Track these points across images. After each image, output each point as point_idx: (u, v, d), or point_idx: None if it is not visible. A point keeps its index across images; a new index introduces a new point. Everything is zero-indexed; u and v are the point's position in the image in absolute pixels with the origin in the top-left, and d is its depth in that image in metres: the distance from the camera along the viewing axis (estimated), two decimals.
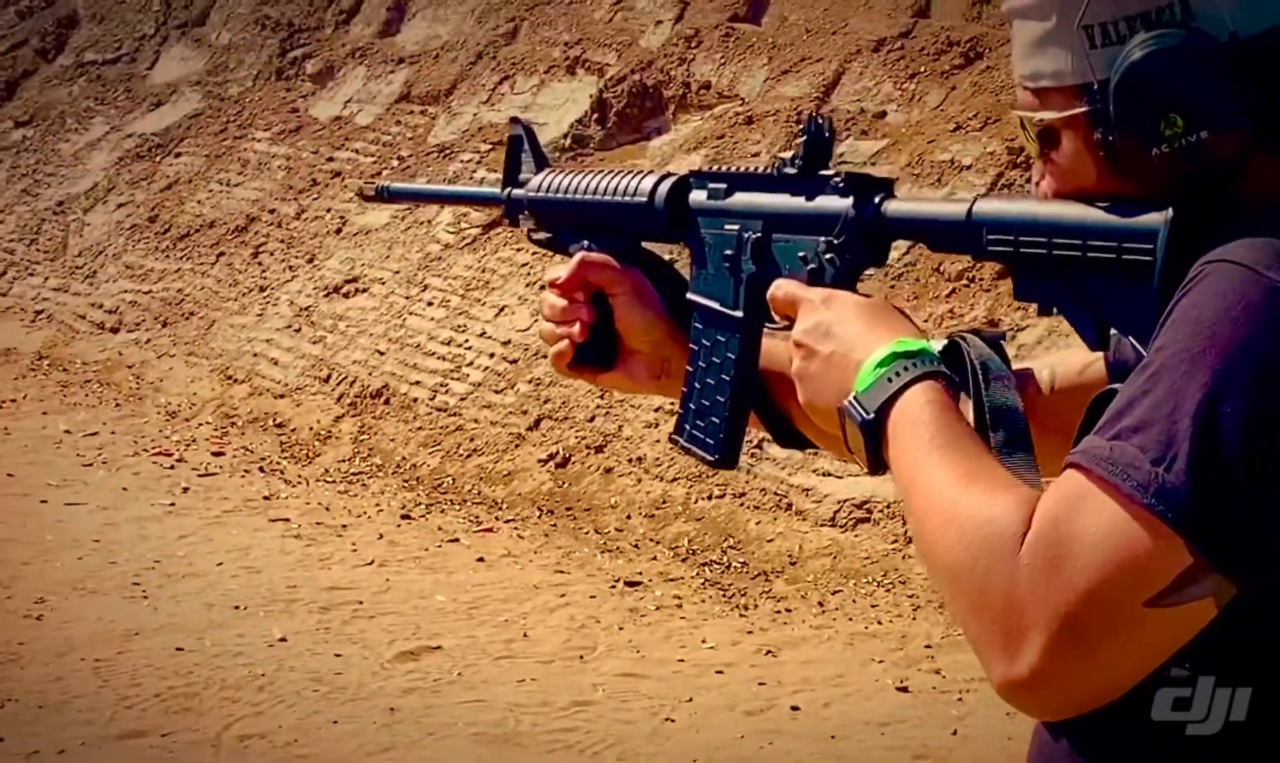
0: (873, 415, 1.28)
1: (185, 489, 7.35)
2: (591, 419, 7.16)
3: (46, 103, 12.05)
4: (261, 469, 7.65)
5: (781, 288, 1.47)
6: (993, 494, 1.15)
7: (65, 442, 8.13)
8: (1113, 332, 1.29)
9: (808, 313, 1.40)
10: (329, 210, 9.45)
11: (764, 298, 1.50)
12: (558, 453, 7.09)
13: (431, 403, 7.76)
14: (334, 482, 7.46)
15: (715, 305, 1.59)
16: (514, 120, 1.87)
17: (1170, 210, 1.20)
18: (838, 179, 1.44)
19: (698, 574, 6.15)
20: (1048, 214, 1.29)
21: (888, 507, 5.96)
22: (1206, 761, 1.12)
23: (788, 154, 1.49)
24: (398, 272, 8.60)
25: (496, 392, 7.59)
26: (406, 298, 8.41)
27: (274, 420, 8.19)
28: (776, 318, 1.50)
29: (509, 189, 1.83)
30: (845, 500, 6.08)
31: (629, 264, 1.66)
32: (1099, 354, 1.46)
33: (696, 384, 1.62)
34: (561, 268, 1.66)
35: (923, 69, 7.46)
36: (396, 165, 9.41)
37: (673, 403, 1.67)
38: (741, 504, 6.44)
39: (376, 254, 8.83)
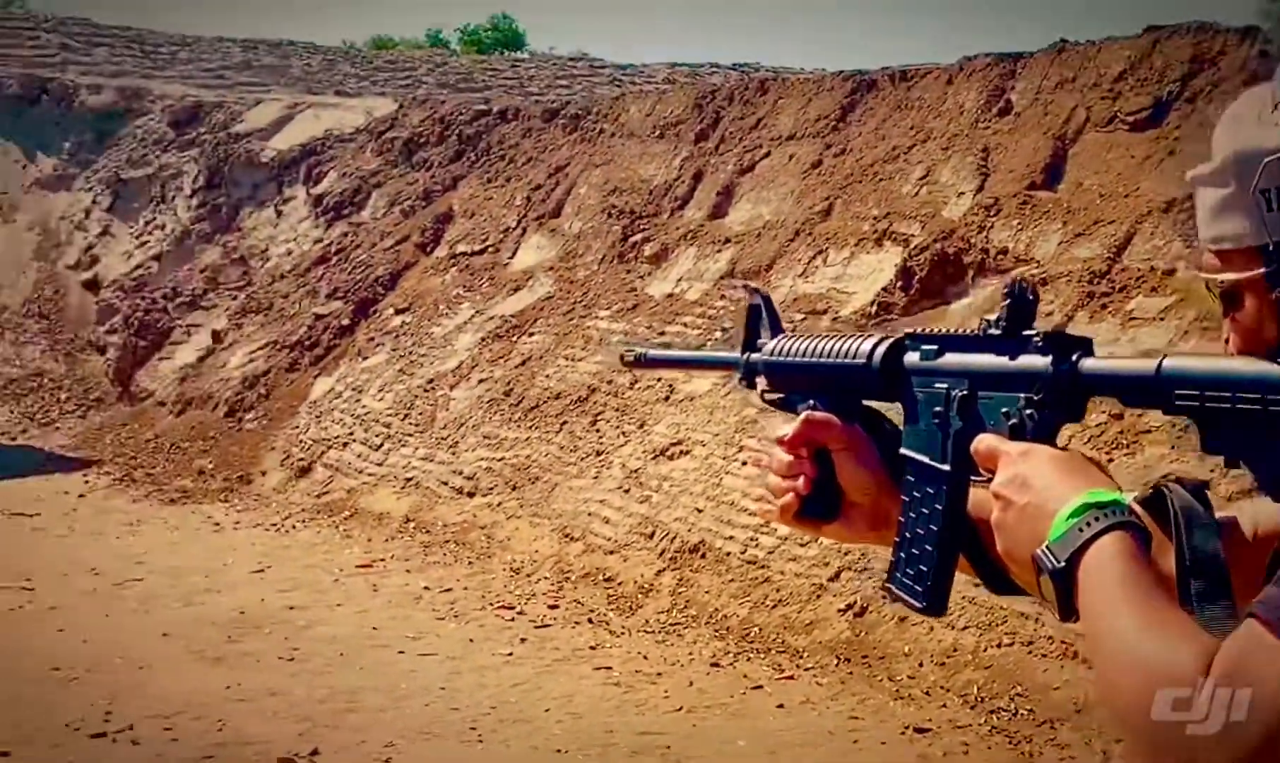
0: (1063, 564, 1.31)
1: (523, 640, 7.86)
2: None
3: (423, 291, 13.26)
4: (590, 620, 8.11)
5: (984, 442, 1.51)
6: (1175, 642, 1.18)
7: (424, 597, 8.80)
8: None
9: (1006, 466, 1.45)
10: (659, 380, 10.01)
11: (969, 452, 1.55)
12: (856, 603, 7.30)
13: (743, 556, 8.10)
14: (653, 632, 7.84)
15: (925, 459, 1.65)
16: (752, 290, 1.99)
17: None
18: (1038, 338, 1.50)
19: (985, 721, 6.22)
20: (1230, 370, 1.32)
21: None
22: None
23: (993, 316, 1.55)
24: (717, 434, 9.04)
25: (801, 545, 7.84)
26: (724, 459, 8.82)
27: (603, 575, 8.66)
28: (981, 471, 1.54)
29: (747, 354, 1.93)
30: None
31: (850, 422, 1.73)
32: None
33: (907, 534, 1.67)
34: (788, 425, 1.75)
35: None
36: (720, 337, 9.94)
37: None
38: (1030, 652, 6.48)
39: (699, 419, 9.31)
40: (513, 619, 8.28)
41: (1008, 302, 1.54)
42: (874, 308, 9.03)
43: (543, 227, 12.96)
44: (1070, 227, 8.33)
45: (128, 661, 7.62)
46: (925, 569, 1.64)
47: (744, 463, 8.65)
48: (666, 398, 9.79)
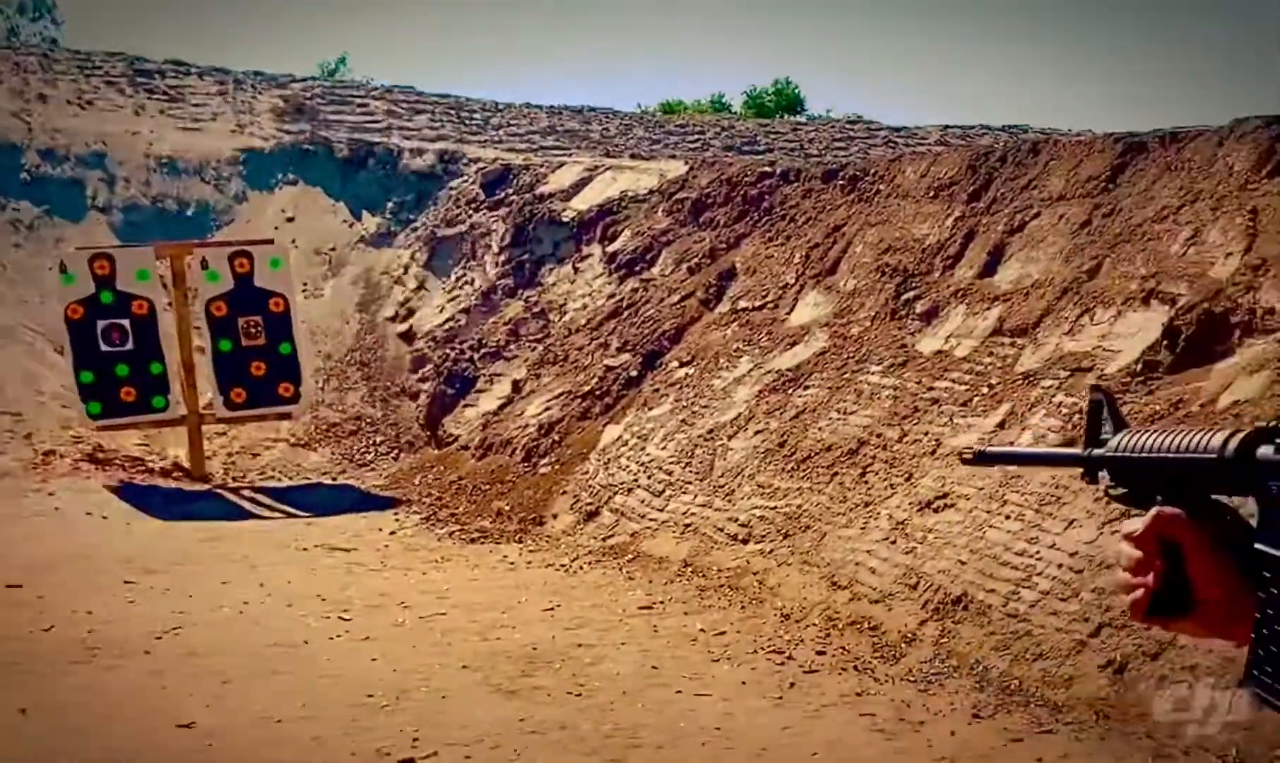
0: None
1: (791, 684, 8.13)
2: (1149, 629, 7.33)
3: (705, 345, 13.80)
4: (856, 668, 8.35)
5: None
6: None
7: (699, 639, 9.19)
8: None
9: None
10: (926, 434, 10.24)
11: None
12: (1116, 659, 7.34)
13: (1004, 609, 8.24)
14: (915, 681, 8.03)
15: None
16: (1094, 387, 1.99)
17: None
18: None
19: None
20: None
21: None
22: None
23: None
24: (982, 488, 9.21)
25: (1062, 599, 7.94)
26: (988, 512, 8.99)
27: (868, 624, 8.90)
28: None
29: (1090, 449, 1.92)
30: None
31: (1200, 516, 1.71)
32: None
33: (1265, 631, 1.63)
34: (1137, 521, 1.75)
35: None
36: (986, 392, 10.15)
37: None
38: None
39: (964, 473, 9.46)
40: (782, 663, 8.57)
41: None
42: (1139, 366, 9.08)
43: (819, 284, 13.32)
44: None
45: (431, 690, 8.27)
46: None
47: (1008, 517, 8.88)
48: (933, 452, 10.04)
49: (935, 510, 9.48)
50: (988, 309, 10.96)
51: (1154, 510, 1.74)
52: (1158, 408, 8.54)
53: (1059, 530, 8.46)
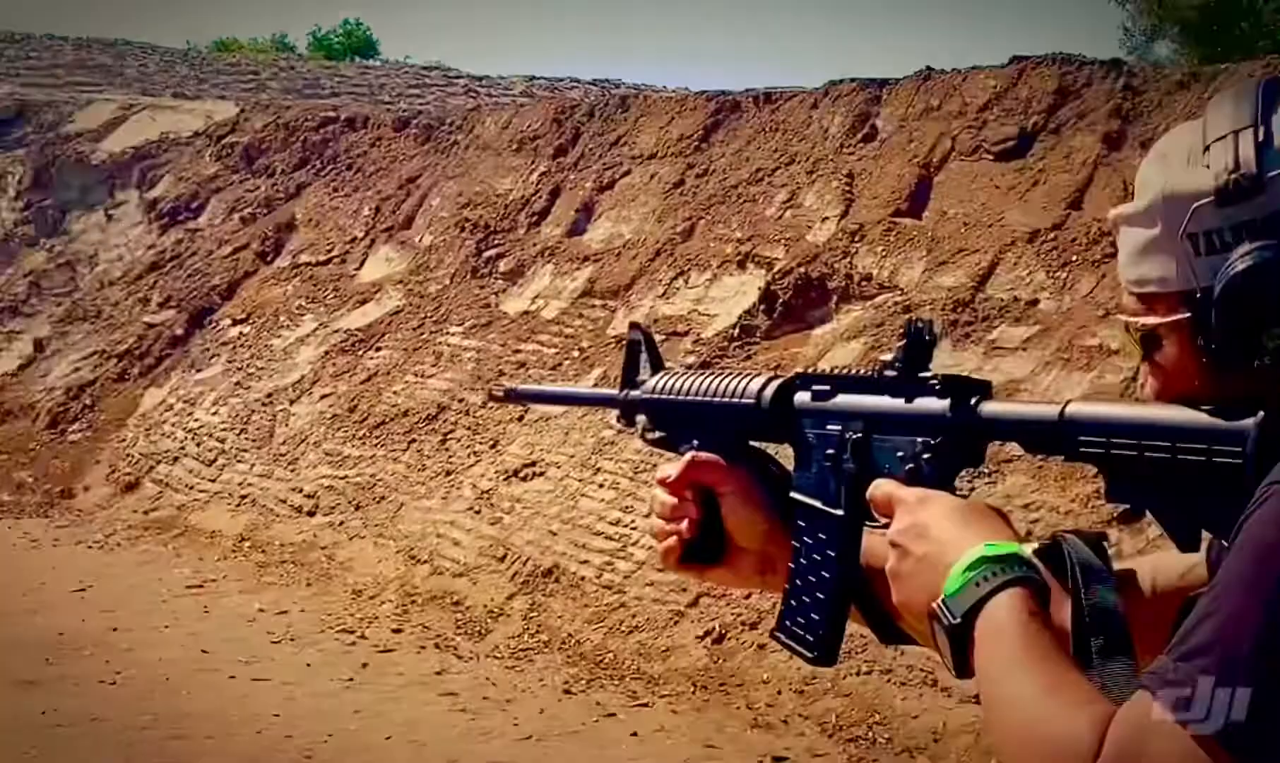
0: (959, 620, 1.28)
1: (365, 665, 7.57)
2: (748, 597, 7.20)
3: (262, 301, 12.82)
4: (437, 645, 7.85)
5: (880, 488, 1.48)
6: (1071, 710, 1.16)
7: (258, 620, 8.44)
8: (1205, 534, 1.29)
9: (904, 513, 1.42)
10: None
11: (864, 497, 1.52)
12: (714, 629, 7.18)
13: (598, 581, 7.92)
14: (502, 658, 7.63)
15: (817, 504, 1.60)
16: (633, 325, 1.94)
17: (1261, 413, 1.20)
18: (935, 381, 1.48)
19: (843, 751, 6.16)
20: (1137, 417, 1.30)
21: None
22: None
23: (888, 356, 1.53)
24: (573, 456, 8.85)
25: (659, 570, 7.61)
26: (579, 481, 8.64)
27: (451, 599, 8.40)
28: (876, 517, 1.51)
29: (626, 391, 1.88)
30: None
31: (737, 463, 1.69)
32: (1200, 556, 1.46)
33: (798, 581, 1.62)
34: (671, 466, 1.70)
35: (1074, 258, 7.55)
36: (577, 355, 9.76)
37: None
38: (889, 680, 6.43)
39: (555, 439, 9.11)
40: (354, 643, 7.97)
41: (904, 343, 1.50)
42: (736, 331, 8.91)
43: (392, 238, 12.64)
44: (934, 254, 8.32)
45: None
46: (817, 618, 1.59)
47: (601, 485, 8.49)
48: (520, 418, 9.56)
49: (523, 479, 9.04)
50: (577, 269, 10.59)
51: (688, 455, 1.69)
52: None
53: None
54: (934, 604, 1.31)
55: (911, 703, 6.27)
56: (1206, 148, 1.27)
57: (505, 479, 9.13)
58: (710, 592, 7.39)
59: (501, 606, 8.20)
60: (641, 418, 1.86)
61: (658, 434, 1.83)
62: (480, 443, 9.63)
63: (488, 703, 7.01)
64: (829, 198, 9.35)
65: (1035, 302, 7.52)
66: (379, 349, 11.35)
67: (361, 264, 12.64)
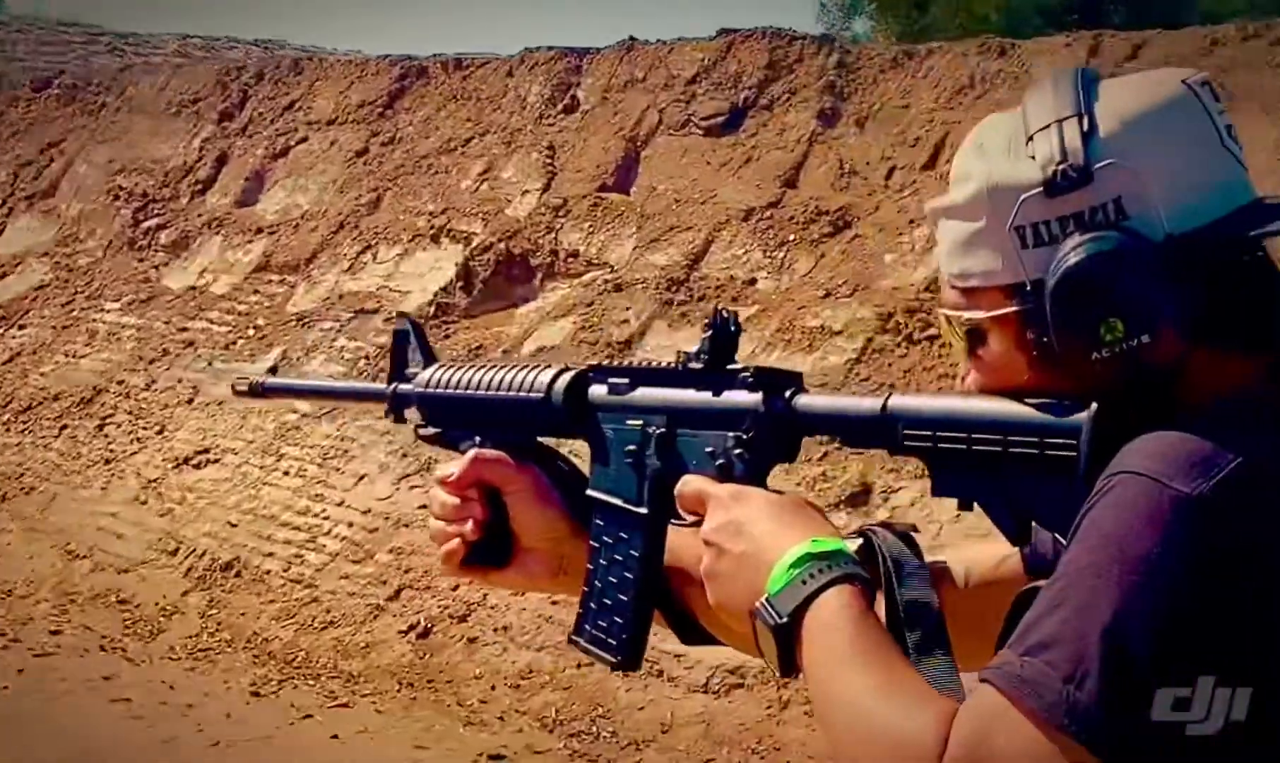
0: (785, 619, 1.26)
1: (20, 672, 6.97)
2: (455, 588, 7.03)
3: None
4: (103, 648, 7.29)
5: (690, 484, 1.44)
6: (910, 708, 1.14)
7: None
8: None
9: (717, 510, 1.38)
10: (180, 380, 9.22)
11: (669, 494, 1.48)
12: (419, 623, 6.92)
13: (285, 575, 7.52)
14: (179, 659, 7.14)
15: (618, 501, 1.56)
16: (400, 315, 1.89)
17: (1094, 405, 1.20)
18: (746, 374, 1.44)
19: (565, 746, 5.99)
20: (967, 409, 1.29)
21: (761, 672, 5.85)
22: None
23: (693, 349, 1.48)
24: (252, 441, 8.38)
25: (355, 562, 7.39)
26: (261, 468, 8.20)
27: (117, 596, 7.83)
28: (684, 514, 1.46)
29: (395, 384, 1.80)
30: (718, 666, 5.95)
31: (524, 460, 1.63)
32: (1014, 548, 1.45)
33: (598, 582, 1.58)
34: (453, 464, 1.63)
35: (792, 237, 7.54)
36: (253, 334, 9.26)
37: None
38: (611, 672, 6.26)
39: (230, 424, 8.61)
40: (5, 647, 7.31)
41: (709, 334, 1.47)
42: (433, 309, 8.56)
43: (33, 207, 11.74)
44: (645, 231, 8.19)
45: None
46: (620, 620, 1.55)
47: (286, 473, 8.03)
48: (190, 401, 8.97)
49: (196, 467, 8.53)
50: (250, 242, 10.03)
51: (473, 453, 1.63)
52: (456, 353, 8.08)
53: (348, 487, 7.81)
54: (756, 603, 1.28)
55: (636, 695, 6.13)
56: (1030, 138, 1.25)
57: (175, 467, 8.58)
58: (414, 584, 7.14)
59: (175, 603, 7.66)
60: (413, 413, 1.77)
61: (433, 430, 1.74)
62: (144, 428, 9.01)
63: (166, 709, 6.54)
64: (529, 171, 9.11)
65: (753, 281, 7.47)
66: (23, 327, 10.53)
67: None
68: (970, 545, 1.63)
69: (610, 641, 1.56)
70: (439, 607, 6.94)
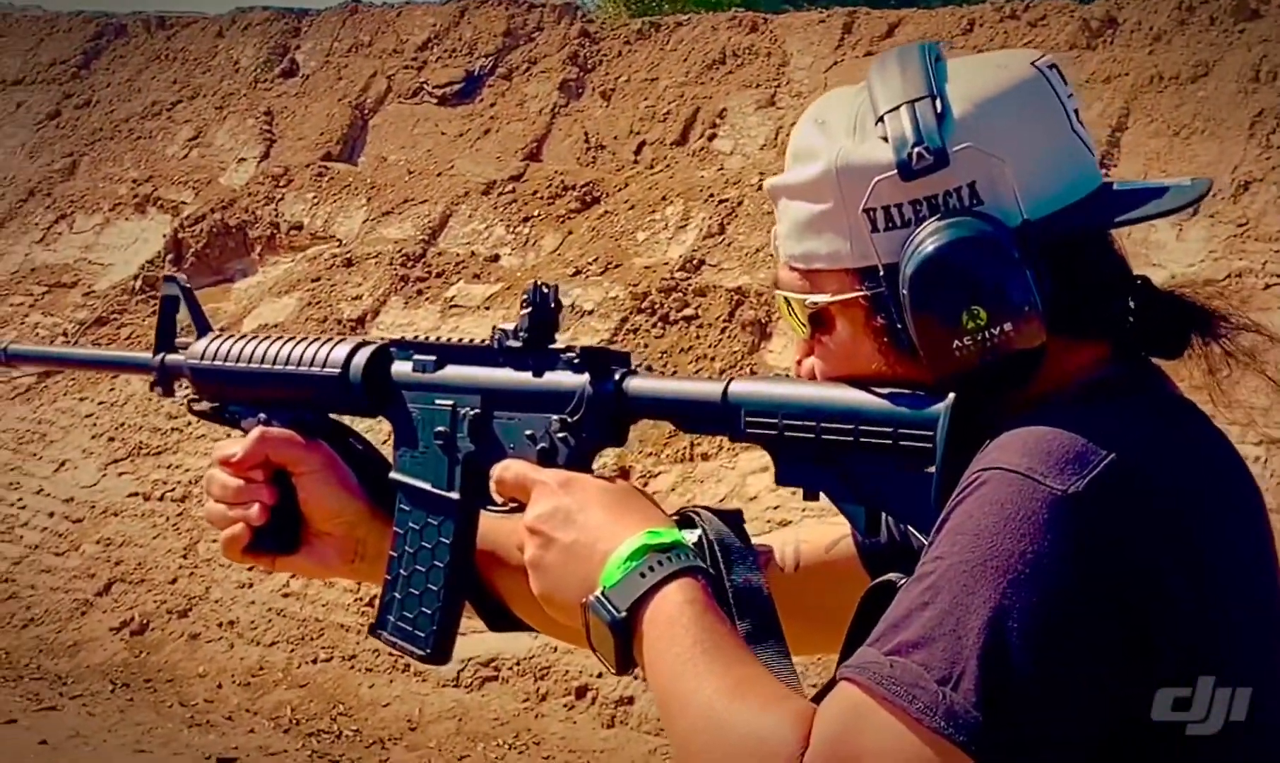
0: (624, 614, 1.21)
1: None
2: (174, 581, 6.74)
3: None
4: None
5: (510, 469, 1.38)
6: (764, 708, 1.10)
7: None
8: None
9: (543, 497, 1.32)
10: None
11: (482, 479, 1.44)
12: (133, 619, 6.60)
13: None
14: None
15: (426, 486, 1.49)
16: (168, 279, 1.71)
17: (952, 396, 1.18)
18: (571, 354, 1.39)
19: (304, 746, 5.73)
20: (816, 397, 1.26)
21: (517, 664, 5.76)
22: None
23: (509, 325, 1.42)
24: None
25: (58, 554, 6.99)
26: None
27: None
28: (499, 500, 1.42)
29: (162, 354, 1.68)
30: (470, 659, 5.80)
31: (314, 439, 1.55)
32: (844, 530, 1.44)
33: (403, 571, 1.51)
34: (234, 444, 1.54)
35: (537, 212, 7.40)
36: None
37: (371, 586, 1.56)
38: (352, 667, 6.09)
39: None
40: None
41: (528, 310, 1.41)
42: (138, 283, 8.09)
43: None
44: (376, 204, 7.91)
45: None
46: (429, 611, 1.49)
47: None
48: None
49: None
50: None
51: (258, 431, 1.55)
52: (145, 330, 7.62)
53: (47, 473, 7.35)
54: (590, 597, 1.23)
55: (380, 691, 5.94)
56: (880, 118, 1.20)
57: None
58: (126, 577, 6.80)
59: None
60: (183, 387, 1.68)
61: (208, 406, 1.65)
62: None
63: None
64: (245, 137, 8.71)
65: (496, 258, 7.29)
66: None
67: None
68: (796, 528, 1.59)
69: (419, 633, 1.49)
70: (155, 601, 6.62)
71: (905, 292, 1.17)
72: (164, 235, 8.29)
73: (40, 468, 7.33)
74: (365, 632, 5.94)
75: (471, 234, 7.43)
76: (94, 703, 6.17)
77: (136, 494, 7.01)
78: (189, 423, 7.12)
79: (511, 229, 7.28)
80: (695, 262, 6.66)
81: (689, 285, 6.48)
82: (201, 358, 1.63)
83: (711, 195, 6.97)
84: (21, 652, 6.59)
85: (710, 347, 6.25)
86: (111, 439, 7.25)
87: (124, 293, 8.13)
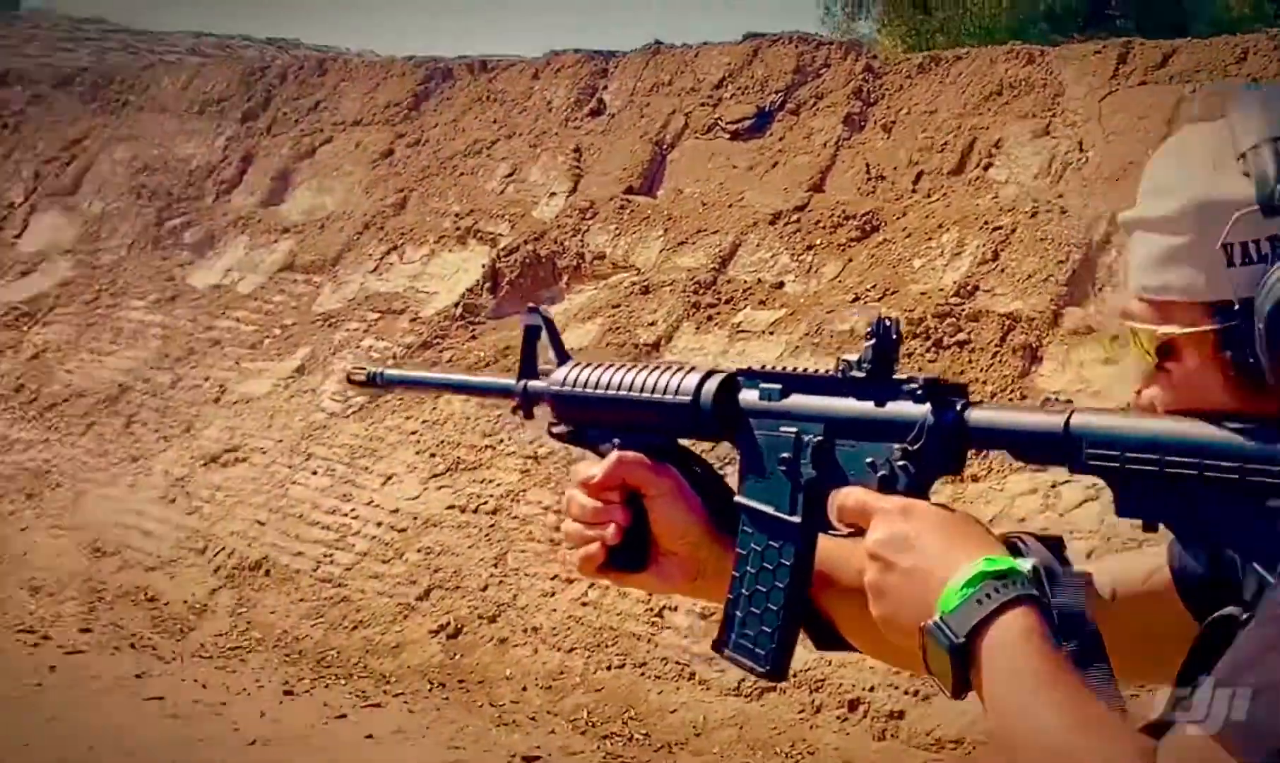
0: (962, 640, 1.23)
1: (52, 668, 7.03)
2: (484, 588, 7.08)
3: None
4: (133, 646, 7.36)
5: (851, 495, 1.41)
6: (1109, 745, 1.11)
7: None
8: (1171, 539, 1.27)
9: (884, 523, 1.36)
10: (207, 379, 9.27)
11: (822, 504, 1.46)
12: (449, 623, 6.96)
13: (315, 574, 7.57)
14: (210, 657, 7.20)
15: (769, 510, 1.54)
16: (531, 309, 1.81)
17: None
18: (914, 384, 1.42)
19: (599, 747, 6.01)
20: (1161, 431, 1.26)
21: (794, 675, 5.87)
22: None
23: (853, 356, 1.46)
24: (280, 440, 8.43)
25: (384, 561, 7.44)
26: (289, 467, 8.24)
27: (145, 594, 7.89)
28: (839, 525, 1.44)
29: (525, 381, 1.77)
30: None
31: (664, 463, 1.61)
32: (1161, 560, 1.46)
33: (745, 591, 1.56)
34: (592, 466, 1.61)
35: (819, 241, 7.58)
36: (279, 334, 9.31)
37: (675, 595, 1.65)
38: (643, 674, 6.34)
39: (257, 423, 8.66)
40: (36, 645, 7.38)
41: (871, 342, 1.44)
42: (459, 310, 8.61)
43: (57, 205, 11.75)
44: (672, 234, 8.23)
45: None
46: (768, 630, 1.53)
47: (314, 472, 8.09)
48: (217, 400, 9.04)
49: (223, 465, 8.57)
50: (276, 242, 10.08)
51: (614, 455, 1.61)
52: (483, 354, 8.15)
53: (376, 487, 7.87)
54: (929, 622, 1.25)
55: (668, 697, 6.17)
56: (1241, 155, 1.22)
57: (203, 465, 8.63)
58: (443, 584, 7.19)
59: (204, 601, 7.73)
60: (543, 411, 1.74)
61: (565, 429, 1.72)
62: (171, 426, 9.07)
63: (200, 707, 6.59)
64: (555, 173, 9.15)
65: (780, 285, 7.51)
66: (47, 324, 10.56)
67: (22, 232, 11.75)
68: (1116, 557, 1.65)
69: (758, 651, 1.54)
70: (469, 607, 6.99)
71: (1261, 327, 1.19)
72: (482, 265, 8.78)
73: (370, 481, 7.84)
74: (652, 640, 6.25)
75: (758, 262, 7.64)
76: (414, 701, 6.56)
77: (454, 507, 7.43)
78: (501, 441, 7.58)
79: (795, 257, 7.47)
80: (969, 287, 6.71)
81: (962, 311, 6.55)
82: (562, 384, 1.70)
83: (986, 223, 7.00)
84: (351, 652, 7.05)
85: (981, 371, 6.29)
86: (433, 455, 7.74)
87: (446, 319, 8.62)
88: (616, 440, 1.63)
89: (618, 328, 7.68)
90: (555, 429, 1.73)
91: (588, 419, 1.69)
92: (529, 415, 1.76)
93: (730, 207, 8.08)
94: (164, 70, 12.72)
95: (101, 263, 10.86)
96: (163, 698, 6.67)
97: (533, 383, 1.75)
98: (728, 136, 8.60)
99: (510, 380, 1.78)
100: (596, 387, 1.66)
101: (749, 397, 1.55)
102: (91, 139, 12.17)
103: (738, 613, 1.56)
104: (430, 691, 6.63)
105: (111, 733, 6.20)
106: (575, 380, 1.68)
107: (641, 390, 1.62)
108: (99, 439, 9.25)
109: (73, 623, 7.63)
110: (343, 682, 6.84)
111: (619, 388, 1.64)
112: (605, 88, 9.50)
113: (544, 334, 1.76)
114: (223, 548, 7.95)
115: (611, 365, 1.68)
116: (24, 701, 6.55)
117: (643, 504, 1.60)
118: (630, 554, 1.61)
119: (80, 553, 8.37)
